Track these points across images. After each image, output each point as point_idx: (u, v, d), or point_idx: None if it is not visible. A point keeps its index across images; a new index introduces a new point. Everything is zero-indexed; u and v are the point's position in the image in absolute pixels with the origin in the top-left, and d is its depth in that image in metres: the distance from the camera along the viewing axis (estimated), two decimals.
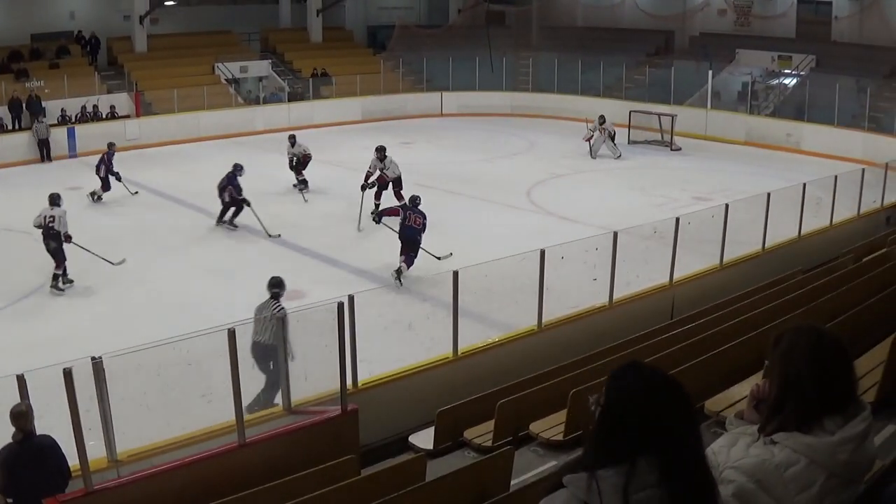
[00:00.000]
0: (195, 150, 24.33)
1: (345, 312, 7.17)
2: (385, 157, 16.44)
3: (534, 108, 29.66)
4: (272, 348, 8.10)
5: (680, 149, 23.74)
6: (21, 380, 5.92)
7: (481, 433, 6.95)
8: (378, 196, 16.59)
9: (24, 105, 23.69)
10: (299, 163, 18.94)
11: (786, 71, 26.84)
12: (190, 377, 7.72)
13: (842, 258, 11.27)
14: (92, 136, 23.97)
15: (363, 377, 7.95)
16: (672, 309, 10.60)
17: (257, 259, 14.23)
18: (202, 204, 17.88)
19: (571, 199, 18.26)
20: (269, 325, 8.26)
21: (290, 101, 28.41)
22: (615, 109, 26.75)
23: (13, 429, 5.82)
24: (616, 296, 10.18)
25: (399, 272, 12.69)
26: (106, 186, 18.37)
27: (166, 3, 28.94)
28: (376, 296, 10.17)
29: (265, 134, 26.40)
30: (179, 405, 7.61)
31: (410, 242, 12.98)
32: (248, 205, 15.63)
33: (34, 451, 5.79)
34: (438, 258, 13.27)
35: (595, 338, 9.29)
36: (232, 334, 6.34)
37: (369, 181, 16.35)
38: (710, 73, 26.53)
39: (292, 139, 19.24)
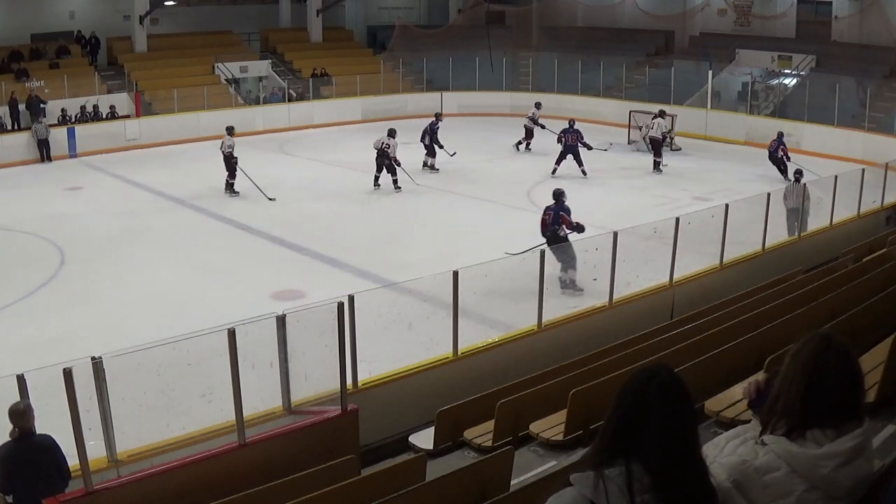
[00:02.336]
0: (195, 150, 24.31)
1: (345, 312, 7.16)
2: (665, 116, 21.77)
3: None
4: (795, 211, 13.48)
5: (680, 149, 23.73)
6: (21, 380, 5.91)
7: (481, 433, 6.94)
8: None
9: (24, 105, 23.68)
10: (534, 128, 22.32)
11: (786, 71, 26.82)
12: (190, 377, 7.71)
13: (842, 258, 11.26)
14: (92, 136, 24.04)
15: (363, 377, 7.94)
16: (672, 309, 10.60)
17: (257, 259, 14.25)
18: (202, 204, 17.92)
19: (571, 199, 18.07)
20: (799, 195, 13.46)
21: (289, 101, 28.40)
22: (615, 109, 26.79)
23: (13, 428, 5.82)
24: (616, 296, 10.17)
25: (552, 171, 19.55)
26: (431, 153, 20.34)
27: (166, 3, 28.91)
28: (376, 296, 10.14)
29: (265, 134, 26.40)
30: (179, 405, 7.60)
31: (572, 154, 19.69)
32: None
33: (33, 450, 5.79)
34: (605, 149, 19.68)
35: (595, 338, 9.29)
36: (232, 334, 6.32)
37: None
38: (710, 73, 26.50)
39: (538, 105, 22.80)
